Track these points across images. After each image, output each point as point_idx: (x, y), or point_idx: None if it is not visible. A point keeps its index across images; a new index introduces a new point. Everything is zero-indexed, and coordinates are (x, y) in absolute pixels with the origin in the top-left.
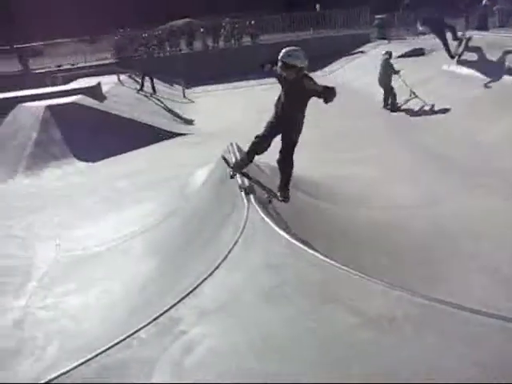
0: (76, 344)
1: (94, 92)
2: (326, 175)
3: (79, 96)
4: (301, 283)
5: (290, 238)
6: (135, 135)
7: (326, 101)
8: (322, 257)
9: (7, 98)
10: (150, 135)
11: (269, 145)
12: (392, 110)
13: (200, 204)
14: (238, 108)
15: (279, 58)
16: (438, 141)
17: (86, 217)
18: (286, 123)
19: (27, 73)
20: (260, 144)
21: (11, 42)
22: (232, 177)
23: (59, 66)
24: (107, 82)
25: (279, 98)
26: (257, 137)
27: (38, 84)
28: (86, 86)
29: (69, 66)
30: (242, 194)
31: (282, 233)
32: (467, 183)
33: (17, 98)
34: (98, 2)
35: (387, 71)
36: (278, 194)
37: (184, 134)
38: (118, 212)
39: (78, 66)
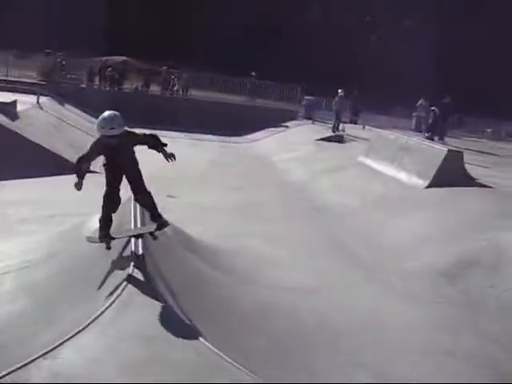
0: None
1: (7, 110)
2: (232, 245)
3: None
4: (169, 363)
5: (170, 311)
6: (41, 162)
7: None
8: (201, 338)
9: None
10: (58, 166)
11: (119, 198)
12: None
13: (85, 251)
14: (154, 156)
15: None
16: (344, 231)
17: None
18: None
19: None
20: (110, 200)
21: None
22: (108, 248)
23: None
24: (25, 101)
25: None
26: (104, 195)
27: None
28: (0, 100)
29: None
30: (132, 250)
31: (163, 303)
32: (364, 276)
33: None
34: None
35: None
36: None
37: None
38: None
39: None
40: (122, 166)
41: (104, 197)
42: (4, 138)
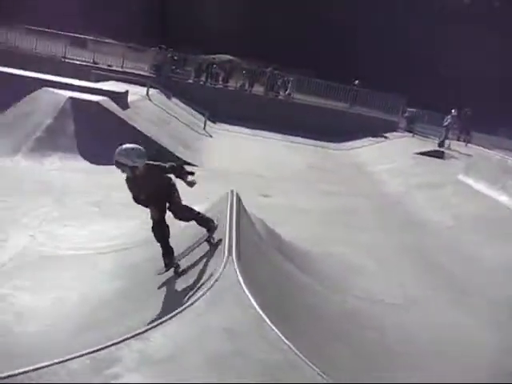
0: (9, 345)
1: (119, 98)
2: (321, 249)
3: (104, 98)
4: (252, 360)
5: (258, 309)
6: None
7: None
8: (283, 338)
9: (34, 78)
10: (159, 155)
11: (166, 224)
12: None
13: (180, 241)
14: (253, 155)
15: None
16: (437, 248)
17: (70, 216)
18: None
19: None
20: (161, 228)
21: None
22: (177, 273)
23: (96, 63)
24: (136, 92)
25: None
26: (153, 226)
27: (71, 73)
28: (114, 90)
29: (105, 66)
30: (226, 247)
31: (252, 301)
32: (453, 297)
33: (44, 80)
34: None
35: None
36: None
37: (191, 164)
38: (104, 221)
39: (114, 68)
40: (156, 195)
41: (152, 229)
42: (114, 126)
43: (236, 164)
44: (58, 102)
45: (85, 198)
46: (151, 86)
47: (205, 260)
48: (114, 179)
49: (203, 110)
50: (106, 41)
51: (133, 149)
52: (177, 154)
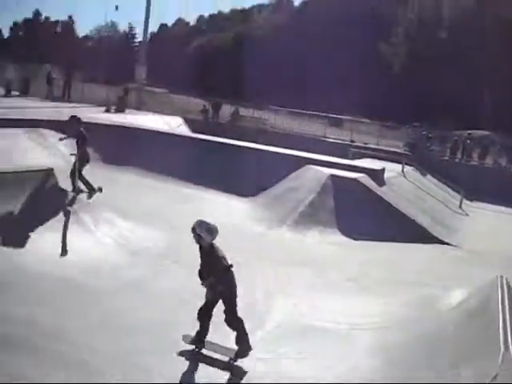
0: None
1: (376, 175)
2: None
3: (362, 175)
4: None
5: None
6: (399, 228)
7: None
8: None
9: (299, 157)
10: (414, 233)
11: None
12: None
13: (442, 326)
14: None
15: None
16: None
17: (328, 288)
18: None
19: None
20: (207, 313)
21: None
22: (197, 353)
23: (353, 141)
24: (390, 169)
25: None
26: (201, 308)
27: (330, 151)
28: (371, 167)
29: (360, 144)
30: (501, 341)
31: None
32: None
33: (308, 158)
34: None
35: None
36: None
37: (448, 244)
38: (359, 297)
39: (369, 146)
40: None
41: (200, 309)
42: (371, 202)
43: (495, 245)
44: (320, 179)
45: (342, 272)
46: (406, 163)
47: (469, 350)
48: (370, 255)
49: (459, 187)
50: (362, 120)
51: (207, 224)
52: (432, 232)
